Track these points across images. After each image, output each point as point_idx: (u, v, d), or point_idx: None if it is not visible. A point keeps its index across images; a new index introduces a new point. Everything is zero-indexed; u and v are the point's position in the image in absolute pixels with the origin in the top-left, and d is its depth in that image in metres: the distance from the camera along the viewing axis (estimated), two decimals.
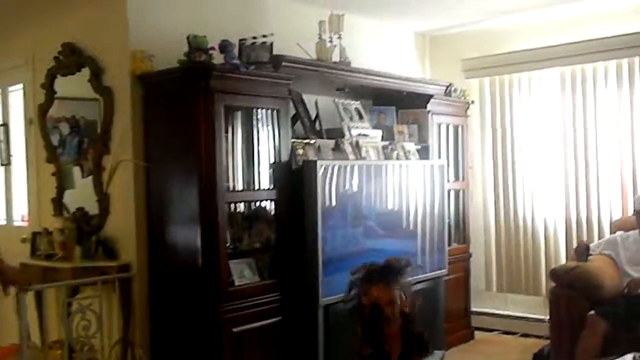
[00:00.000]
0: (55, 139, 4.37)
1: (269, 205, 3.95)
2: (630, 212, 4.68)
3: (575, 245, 5.01)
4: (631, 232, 4.41)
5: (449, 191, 5.11)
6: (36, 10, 4.43)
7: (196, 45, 3.53)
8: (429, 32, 5.96)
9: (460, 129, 5.47)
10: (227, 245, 3.66)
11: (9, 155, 4.94)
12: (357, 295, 2.48)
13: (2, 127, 4.97)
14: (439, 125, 5.22)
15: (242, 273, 3.73)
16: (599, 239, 4.94)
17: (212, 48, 3.59)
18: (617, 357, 3.05)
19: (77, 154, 4.31)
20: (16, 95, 4.87)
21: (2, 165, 5.01)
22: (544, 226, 5.41)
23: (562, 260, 5.21)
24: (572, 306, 4.16)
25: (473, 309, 5.57)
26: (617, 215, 5.01)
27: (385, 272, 2.47)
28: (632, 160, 4.99)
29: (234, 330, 3.59)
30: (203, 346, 3.58)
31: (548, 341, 4.45)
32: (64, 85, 4.28)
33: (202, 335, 3.58)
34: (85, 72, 4.03)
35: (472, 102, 5.61)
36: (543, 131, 5.44)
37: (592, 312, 4.02)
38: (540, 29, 5.38)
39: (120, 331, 3.75)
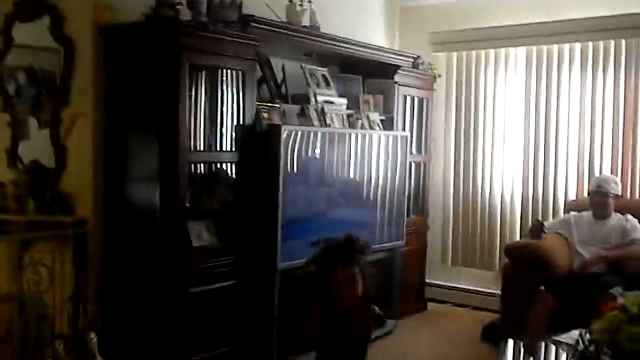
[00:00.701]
0: (11, 88, 4.21)
1: (231, 168, 3.91)
2: (586, 193, 4.78)
3: (530, 223, 5.13)
4: (584, 213, 4.52)
5: (410, 163, 5.13)
6: None
7: (164, 0, 3.43)
8: (399, 1, 5.92)
9: (425, 102, 5.48)
10: (186, 205, 3.62)
11: None
12: (318, 272, 2.61)
13: None
14: (405, 97, 5.22)
15: (200, 234, 3.70)
16: (554, 218, 5.04)
17: (180, 3, 3.51)
18: (563, 333, 3.15)
19: (33, 105, 4.17)
20: None
21: None
22: (501, 203, 5.50)
23: (517, 237, 5.32)
24: (523, 282, 4.27)
25: (428, 280, 5.66)
26: (573, 196, 5.12)
27: (348, 250, 2.59)
28: (590, 143, 5.08)
29: (190, 290, 3.57)
30: (157, 305, 3.55)
31: (498, 315, 4.56)
32: (22, 33, 4.12)
33: (157, 294, 3.55)
34: (46, 19, 3.89)
35: (439, 75, 5.62)
36: (506, 109, 5.49)
37: (542, 287, 4.13)
38: (510, 7, 5.39)
39: (73, 287, 3.68)
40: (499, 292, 4.57)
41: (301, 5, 4.38)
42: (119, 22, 3.65)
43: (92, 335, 3.49)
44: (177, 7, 3.49)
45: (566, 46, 5.19)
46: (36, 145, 4.06)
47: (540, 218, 5.11)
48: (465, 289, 5.73)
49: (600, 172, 4.97)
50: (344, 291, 2.55)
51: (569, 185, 5.18)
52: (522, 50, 5.40)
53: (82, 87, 3.73)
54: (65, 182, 3.86)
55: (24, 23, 4.05)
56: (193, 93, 3.66)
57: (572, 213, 4.65)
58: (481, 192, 5.60)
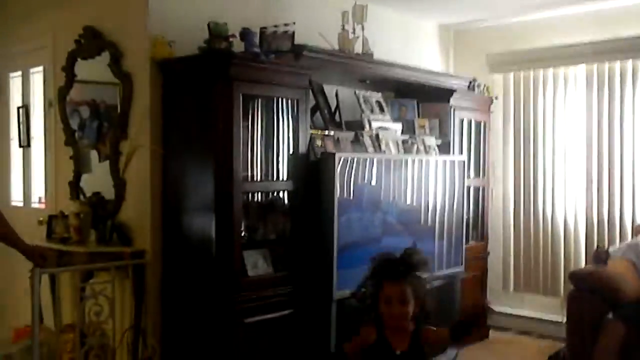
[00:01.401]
0: (74, 122, 4.36)
1: (285, 197, 3.91)
2: None
3: (595, 247, 4.95)
4: None
5: (468, 188, 5.04)
6: None
7: (217, 33, 3.49)
8: (453, 25, 5.87)
9: (482, 124, 5.38)
10: (242, 235, 3.64)
11: (28, 137, 4.94)
12: (369, 290, 2.45)
13: (22, 109, 4.96)
14: (461, 121, 5.14)
15: (256, 264, 3.70)
16: (621, 241, 4.85)
17: (233, 36, 3.56)
18: None
19: (96, 138, 4.29)
20: (37, 77, 4.86)
21: (22, 146, 5.01)
22: (564, 226, 5.33)
23: (582, 261, 5.14)
24: (590, 309, 4.09)
25: (490, 307, 5.51)
26: None
27: (401, 266, 2.43)
28: None
29: (246, 321, 3.56)
30: (214, 335, 3.56)
31: (564, 344, 4.38)
32: (84, 69, 4.26)
33: (214, 325, 3.56)
34: (105, 56, 4.01)
35: (496, 97, 5.52)
36: (567, 129, 5.34)
37: (610, 315, 3.95)
38: (567, 25, 5.27)
39: (132, 318, 3.74)
40: (564, 319, 4.40)
41: (354, 32, 4.38)
42: (175, 56, 3.72)
43: None
44: (231, 39, 3.54)
45: (628, 63, 5.03)
46: (97, 178, 4.17)
47: (605, 242, 4.93)
48: (528, 316, 5.55)
49: None
50: (391, 310, 2.38)
51: (636, 207, 4.97)
52: (581, 69, 5.26)
53: (140, 120, 3.82)
54: (125, 213, 3.95)
55: (85, 60, 4.18)
56: (248, 123, 3.69)
57: None
58: (543, 216, 5.44)
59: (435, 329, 2.48)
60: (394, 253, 2.52)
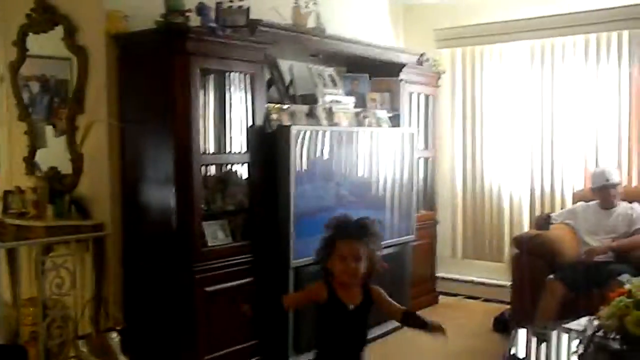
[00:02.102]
0: (25, 98, 4.34)
1: (243, 169, 4.00)
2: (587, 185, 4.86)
3: (537, 214, 5.21)
4: (591, 203, 4.59)
5: (418, 159, 5.22)
6: None
7: (173, 7, 3.53)
8: (402, 0, 5.99)
9: (431, 98, 5.56)
10: (201, 206, 3.72)
11: None
12: (322, 249, 2.52)
13: None
14: (411, 94, 5.30)
15: (215, 234, 3.80)
16: (561, 209, 5.10)
17: (189, 10, 3.60)
18: (573, 320, 3.22)
19: (47, 113, 4.29)
20: None
21: None
22: (509, 196, 5.57)
23: (525, 228, 5.37)
24: (532, 272, 4.35)
25: (438, 274, 5.75)
26: (579, 187, 5.17)
27: (357, 226, 2.51)
28: (595, 134, 5.14)
29: (207, 289, 3.67)
30: (176, 304, 3.66)
31: (509, 306, 4.64)
32: (35, 43, 4.23)
33: (175, 293, 3.65)
34: (59, 30, 3.99)
35: (444, 72, 5.69)
36: (512, 103, 5.55)
37: (551, 277, 4.20)
38: (513, 1, 5.45)
39: (94, 289, 3.79)
40: (509, 283, 4.65)
41: (306, 7, 4.47)
42: (130, 30, 3.74)
43: (114, 334, 3.61)
44: (187, 14, 3.58)
45: (569, 39, 5.25)
46: (53, 153, 4.17)
47: (547, 209, 5.19)
48: (475, 281, 5.80)
49: (597, 164, 5.03)
50: (346, 266, 2.43)
51: (575, 176, 5.24)
52: (526, 44, 5.46)
53: (96, 95, 3.84)
54: (83, 187, 3.98)
55: (37, 34, 4.15)
56: (204, 97, 3.76)
57: (580, 203, 4.72)
58: (489, 186, 5.68)
59: (392, 301, 2.59)
60: (350, 215, 2.60)
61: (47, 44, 4.15)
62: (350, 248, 2.44)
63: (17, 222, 3.94)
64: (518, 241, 4.60)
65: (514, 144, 5.54)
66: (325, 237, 2.51)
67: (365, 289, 2.53)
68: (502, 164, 5.61)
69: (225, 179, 3.99)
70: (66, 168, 4.04)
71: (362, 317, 2.55)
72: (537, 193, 5.42)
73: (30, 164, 4.26)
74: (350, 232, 2.48)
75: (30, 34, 4.20)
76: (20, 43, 4.24)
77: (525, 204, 5.49)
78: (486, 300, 5.60)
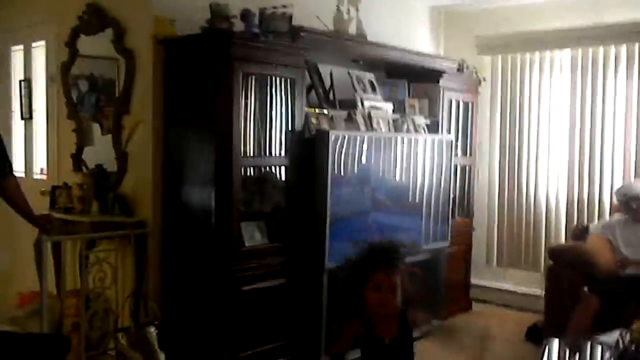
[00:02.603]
0: (74, 96, 4.49)
1: (281, 172, 4.08)
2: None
3: (574, 224, 5.17)
4: (627, 216, 4.53)
5: (455, 166, 5.23)
6: None
7: (218, 13, 3.62)
8: (444, 7, 6.01)
9: (470, 105, 5.56)
10: (239, 207, 3.81)
11: (30, 109, 5.07)
12: (358, 276, 2.44)
13: (24, 82, 5.08)
14: (450, 101, 5.31)
15: (252, 235, 3.88)
16: (599, 220, 5.06)
17: (234, 16, 3.69)
18: (607, 332, 3.21)
19: (94, 112, 4.44)
20: (38, 51, 4.97)
21: (23, 119, 5.14)
22: (546, 205, 5.54)
23: (562, 238, 5.35)
24: (567, 283, 4.33)
25: (473, 281, 5.74)
26: None
27: (391, 255, 2.44)
28: (636, 145, 5.09)
29: (243, 288, 3.76)
30: (212, 301, 3.75)
31: (542, 315, 4.62)
32: (85, 44, 4.38)
33: (211, 291, 3.75)
34: (108, 32, 4.13)
35: (484, 79, 5.69)
36: (552, 111, 5.52)
37: (586, 289, 4.17)
38: (556, 10, 5.43)
39: (134, 284, 3.92)
40: (543, 293, 4.64)
41: (348, 14, 4.53)
42: (177, 34, 3.85)
43: (152, 329, 3.72)
44: (232, 19, 3.68)
45: (612, 49, 5.21)
46: (99, 150, 4.32)
47: (585, 220, 5.15)
48: (510, 290, 5.78)
49: (636, 174, 4.99)
50: (381, 297, 2.37)
51: (614, 187, 5.17)
52: (567, 53, 5.43)
53: (142, 96, 3.96)
54: (126, 185, 4.11)
55: (88, 36, 4.30)
56: (246, 100, 3.83)
57: (618, 214, 4.67)
58: (526, 194, 5.66)
59: (419, 313, 2.53)
60: (381, 242, 2.56)
61: (96, 44, 4.30)
62: (385, 279, 2.37)
63: (63, 216, 4.08)
64: (554, 251, 4.58)
65: (553, 153, 5.52)
66: (358, 266, 2.44)
67: (402, 317, 2.45)
68: (540, 173, 5.58)
69: (264, 181, 4.07)
70: (111, 166, 4.18)
71: (401, 350, 2.46)
72: (575, 203, 5.38)
73: (78, 161, 4.41)
74: (384, 261, 2.41)
75: (82, 35, 4.35)
76: (72, 44, 4.40)
77: (562, 213, 5.46)
78: (520, 309, 5.57)
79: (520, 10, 5.62)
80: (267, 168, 4.10)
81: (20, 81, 5.12)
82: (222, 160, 3.66)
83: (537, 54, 5.58)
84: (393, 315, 2.43)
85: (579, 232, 4.71)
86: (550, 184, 5.53)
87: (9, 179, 3.20)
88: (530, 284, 5.59)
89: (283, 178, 4.07)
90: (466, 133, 5.54)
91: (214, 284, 3.74)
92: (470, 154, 5.59)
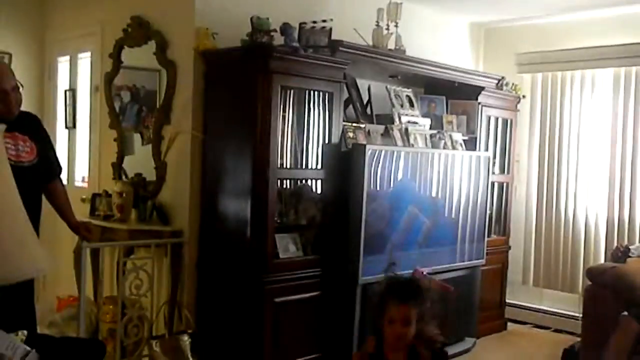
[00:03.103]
0: (117, 106, 4.59)
1: (317, 184, 4.10)
2: None
3: (615, 245, 5.06)
4: None
5: (493, 183, 5.19)
6: None
7: (259, 27, 3.68)
8: (484, 24, 5.99)
9: (509, 122, 5.51)
10: (275, 219, 3.83)
11: (74, 119, 5.19)
12: (377, 309, 2.48)
13: (69, 92, 5.21)
14: (488, 118, 5.28)
15: (287, 247, 3.90)
16: None
17: (274, 30, 3.74)
18: None
19: (136, 122, 4.53)
20: (84, 62, 5.10)
21: (67, 128, 5.26)
22: (585, 224, 5.45)
23: (601, 259, 5.25)
24: (606, 306, 4.21)
25: (508, 300, 5.66)
26: None
27: (409, 288, 2.47)
28: None
29: (276, 300, 3.77)
30: (245, 312, 3.77)
31: (579, 338, 4.52)
32: (128, 56, 4.48)
33: (245, 302, 3.77)
34: (151, 44, 4.22)
35: (524, 96, 5.63)
36: (592, 130, 5.44)
37: (626, 313, 4.07)
38: (597, 27, 5.36)
39: (169, 292, 3.97)
40: (580, 315, 4.54)
41: (387, 29, 4.55)
42: (216, 47, 3.91)
43: (186, 337, 3.76)
44: (272, 33, 3.73)
45: None
46: (139, 160, 4.40)
47: (626, 241, 5.04)
48: (546, 310, 5.69)
49: None
50: (394, 329, 2.40)
51: None
52: (609, 72, 5.35)
53: (182, 107, 4.03)
54: (165, 194, 4.18)
55: (131, 47, 4.40)
56: (284, 113, 3.87)
57: None
58: (565, 213, 5.56)
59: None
60: (403, 275, 2.62)
61: (139, 56, 4.39)
62: (400, 312, 2.39)
63: (103, 224, 4.16)
64: (592, 273, 4.47)
65: (593, 172, 5.43)
66: (377, 295, 2.50)
67: (413, 352, 2.45)
68: (580, 192, 5.49)
69: (300, 193, 4.10)
70: (150, 175, 4.25)
71: None
72: (616, 223, 5.27)
73: (118, 169, 4.50)
74: (401, 294, 2.43)
75: (126, 47, 4.45)
76: (116, 55, 4.50)
77: (602, 233, 5.36)
78: (556, 330, 5.48)
79: (560, 27, 5.58)
80: (303, 180, 4.13)
81: (65, 91, 5.25)
82: (258, 171, 3.70)
83: (577, 72, 5.51)
84: (403, 347, 2.45)
85: (620, 254, 4.59)
86: (589, 204, 5.44)
87: (57, 183, 3.29)
88: (567, 305, 5.49)
89: (319, 191, 4.09)
90: (504, 150, 5.49)
91: (247, 295, 3.77)
92: (508, 172, 5.53)
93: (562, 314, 5.53)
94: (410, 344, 2.44)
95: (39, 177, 3.08)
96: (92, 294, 4.10)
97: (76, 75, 5.19)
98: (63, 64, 5.36)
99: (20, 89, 3.02)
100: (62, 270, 4.50)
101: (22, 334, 2.26)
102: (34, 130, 3.14)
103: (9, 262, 1.40)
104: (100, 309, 3.97)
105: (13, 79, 2.98)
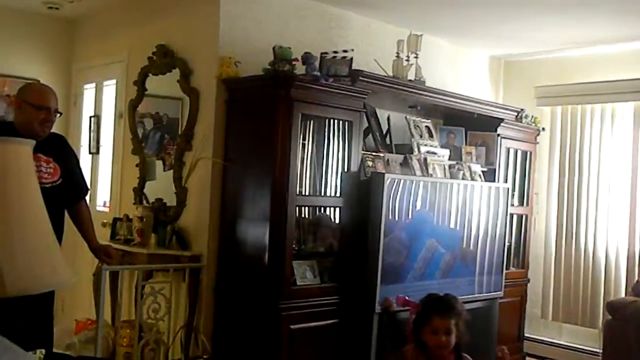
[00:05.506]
0: (140, 133, 4.67)
1: (335, 212, 4.12)
2: None
3: (636, 279, 5.00)
4: None
5: (511, 215, 5.17)
6: (136, 14, 4.78)
7: (281, 56, 3.74)
8: (504, 56, 6.03)
9: (528, 154, 5.51)
10: (293, 246, 3.85)
11: (98, 144, 5.29)
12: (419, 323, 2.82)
13: (94, 118, 5.32)
14: (507, 150, 5.28)
15: (304, 274, 3.91)
16: None
17: (296, 59, 3.80)
18: None
19: (158, 148, 4.61)
20: (109, 90, 5.21)
21: (91, 153, 5.36)
22: (606, 258, 5.39)
23: (622, 294, 5.18)
24: (626, 340, 4.17)
25: (527, 334, 5.59)
26: None
27: (449, 303, 2.84)
28: None
29: (292, 327, 3.76)
30: (262, 339, 3.77)
31: None
32: (152, 83, 4.58)
33: (262, 328, 3.78)
34: (175, 72, 4.31)
35: (543, 129, 5.64)
36: (612, 163, 5.42)
37: None
38: (617, 61, 5.37)
39: (186, 317, 3.98)
40: (600, 350, 4.48)
41: (407, 60, 4.60)
42: (241, 75, 3.98)
43: None
44: (293, 62, 3.79)
45: None
46: (160, 185, 4.47)
47: None
48: (566, 345, 5.60)
49: None
50: (438, 340, 2.72)
51: None
52: (629, 106, 5.35)
53: (204, 134, 4.09)
54: (184, 219, 4.22)
55: (156, 75, 4.49)
56: (304, 141, 3.92)
57: None
58: (584, 246, 5.52)
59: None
60: (439, 293, 2.97)
61: (163, 84, 4.48)
62: (443, 322, 2.73)
63: (123, 247, 4.20)
64: (613, 307, 4.44)
65: (614, 205, 5.39)
66: (419, 311, 2.85)
67: (457, 357, 2.77)
68: (600, 225, 5.45)
69: (318, 221, 4.12)
70: (171, 200, 4.30)
71: None
72: (637, 257, 5.21)
73: (139, 194, 4.56)
74: (442, 308, 2.79)
75: (150, 74, 4.54)
76: (141, 83, 4.59)
77: (622, 267, 5.30)
78: None
79: (579, 61, 5.60)
80: (322, 208, 4.15)
81: (90, 117, 5.36)
82: (277, 198, 3.73)
83: (598, 106, 5.51)
84: (446, 357, 2.76)
85: None
86: (610, 237, 5.39)
87: (82, 204, 3.35)
88: (587, 340, 5.41)
89: (337, 219, 4.11)
90: (523, 182, 5.47)
91: (264, 321, 3.77)
92: (527, 204, 5.51)
93: (581, 349, 5.44)
94: (454, 351, 2.77)
95: (62, 198, 3.14)
96: (110, 317, 4.13)
97: (101, 102, 5.30)
98: (89, 91, 5.48)
99: (58, 115, 3.13)
100: (80, 294, 4.57)
101: (40, 352, 2.28)
102: (59, 150, 3.22)
103: (31, 273, 1.43)
104: (118, 332, 3.99)
105: (57, 102, 3.10)
